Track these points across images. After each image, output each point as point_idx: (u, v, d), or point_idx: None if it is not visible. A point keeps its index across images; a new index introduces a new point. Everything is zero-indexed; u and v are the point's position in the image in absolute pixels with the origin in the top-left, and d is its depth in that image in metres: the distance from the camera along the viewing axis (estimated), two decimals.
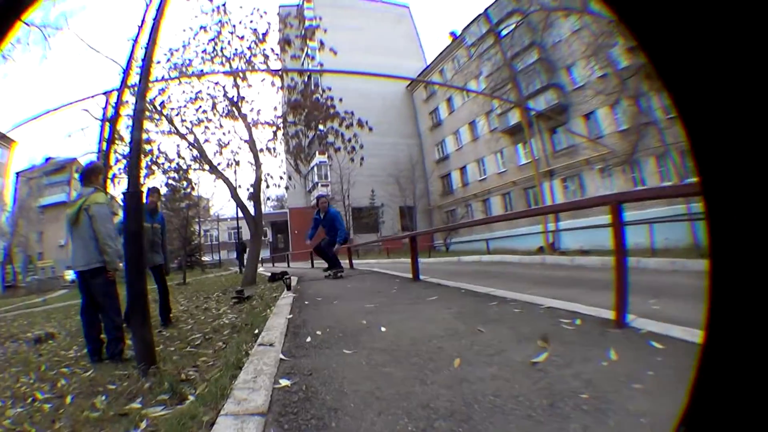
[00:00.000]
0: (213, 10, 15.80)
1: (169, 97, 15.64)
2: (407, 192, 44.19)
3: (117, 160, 11.52)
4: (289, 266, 29.83)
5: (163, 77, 15.38)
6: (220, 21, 15.88)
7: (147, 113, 14.08)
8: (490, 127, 39.38)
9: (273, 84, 16.59)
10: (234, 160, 16.32)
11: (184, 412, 2.97)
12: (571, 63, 30.99)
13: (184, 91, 15.77)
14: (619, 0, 0.96)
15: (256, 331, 5.54)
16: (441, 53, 47.56)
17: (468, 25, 40.75)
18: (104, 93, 11.63)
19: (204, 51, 15.83)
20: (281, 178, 17.24)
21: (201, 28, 15.87)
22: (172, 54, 15.59)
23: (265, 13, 16.20)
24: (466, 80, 42.17)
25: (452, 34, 45.10)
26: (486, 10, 37.62)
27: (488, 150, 40.72)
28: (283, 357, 4.04)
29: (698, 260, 11.87)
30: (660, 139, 21.71)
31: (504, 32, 34.65)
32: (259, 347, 4.44)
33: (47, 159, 53.17)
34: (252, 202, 16.58)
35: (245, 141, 16.08)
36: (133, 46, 7.19)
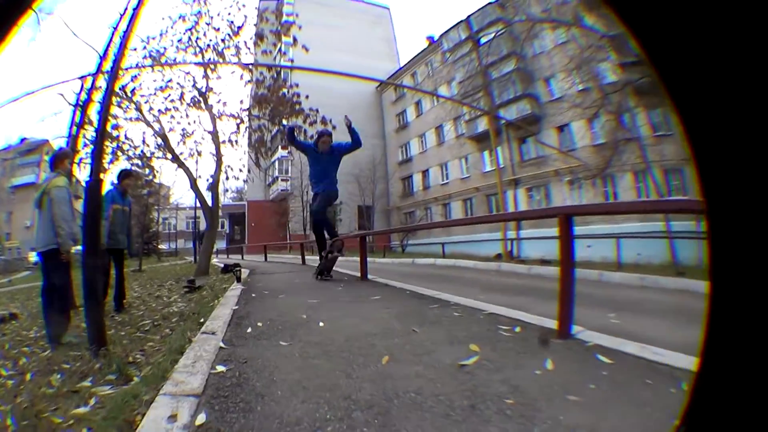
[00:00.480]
0: (195, 0, 15.81)
1: (140, 84, 15.49)
2: (366, 191, 44.42)
3: (85, 145, 11.52)
4: (243, 258, 29.95)
5: (137, 64, 15.30)
6: (199, 11, 15.87)
7: (117, 99, 14.17)
8: (458, 133, 39.71)
9: (242, 77, 16.65)
10: (196, 150, 16.29)
11: (128, 392, 3.14)
12: (550, 75, 31.34)
13: (155, 80, 15.69)
14: (623, 4, 0.96)
15: (202, 320, 5.68)
16: (415, 56, 47.89)
17: (447, 31, 41.07)
18: (80, 78, 11.63)
19: (180, 40, 15.79)
20: (240, 170, 17.35)
21: (180, 17, 15.82)
22: (148, 41, 15.50)
23: (244, 5, 16.28)
24: (437, 85, 42.72)
25: (429, 38, 45.52)
26: (468, 17, 37.89)
27: (453, 155, 41.26)
28: (222, 345, 4.19)
29: (673, 278, 12.09)
30: (641, 155, 21.89)
31: (483, 40, 34.74)
32: (202, 335, 4.60)
33: (22, 140, 52.42)
34: (210, 193, 16.54)
35: (209, 132, 16.07)
36: (113, 33, 7.29)
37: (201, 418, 2.58)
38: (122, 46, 6.06)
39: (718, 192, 0.85)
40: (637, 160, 22.83)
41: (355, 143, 9.56)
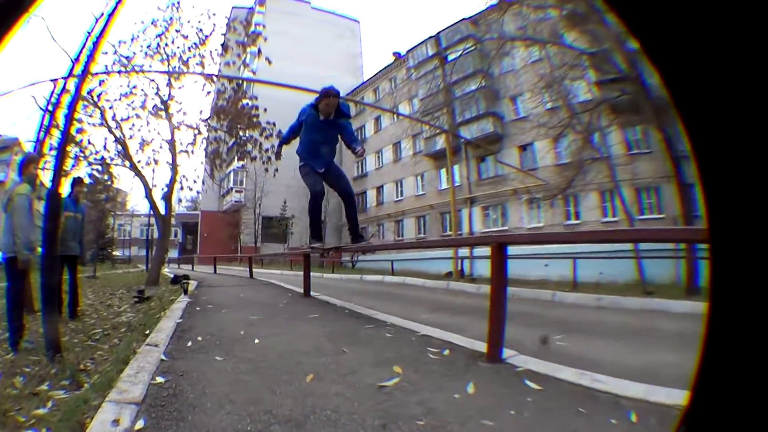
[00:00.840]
0: (168, 6, 15.98)
1: (106, 89, 15.54)
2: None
3: (51, 149, 11.64)
4: (193, 269, 29.67)
5: (105, 69, 15.37)
6: (171, 18, 16.04)
7: (83, 104, 14.28)
8: (415, 150, 39.64)
9: (203, 87, 16.78)
10: (153, 159, 16.33)
11: (80, 397, 3.40)
12: (517, 93, 31.18)
13: (120, 85, 16.00)
14: (623, 4, 0.94)
15: (147, 332, 5.93)
16: (379, 71, 47.77)
17: (414, 47, 41.00)
18: (52, 80, 11.73)
19: (149, 46, 15.92)
20: (195, 181, 17.42)
21: (152, 22, 15.96)
22: (119, 45, 15.59)
23: (214, 14, 16.48)
24: (398, 101, 42.65)
25: (396, 54, 45.35)
26: (438, 33, 38.01)
27: (409, 172, 41.27)
28: (163, 358, 4.47)
29: (639, 298, 12.02)
30: (610, 174, 21.37)
31: (451, 57, 34.88)
32: (146, 347, 4.88)
33: None
34: (164, 202, 16.58)
35: (167, 141, 16.15)
36: (86, 38, 7.50)
37: (140, 424, 2.86)
38: (94, 49, 6.27)
39: (721, 202, 0.84)
40: (604, 179, 22.42)
41: (353, 151, 7.58)
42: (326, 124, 7.45)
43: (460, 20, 35.72)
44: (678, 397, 3.20)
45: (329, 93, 7.31)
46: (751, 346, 0.79)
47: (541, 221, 29.67)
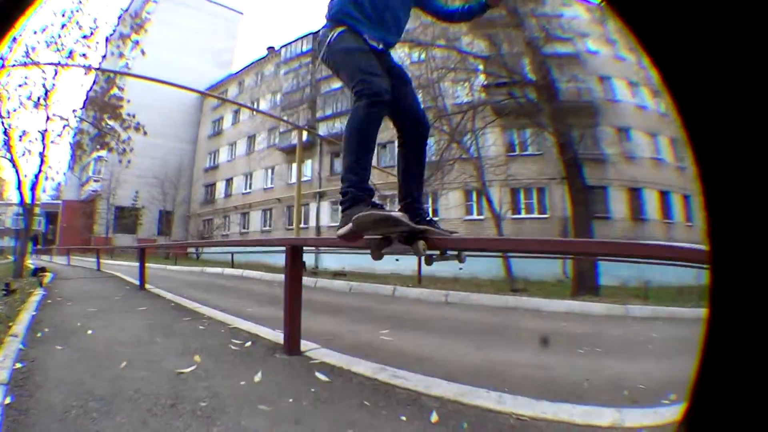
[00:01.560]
0: None
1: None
2: (169, 197, 44.30)
3: None
4: (51, 260, 30.19)
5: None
6: (79, 8, 16.32)
7: None
8: (269, 144, 40.09)
9: (79, 78, 17.70)
10: (27, 149, 16.53)
11: None
12: None
13: (9, 74, 15.86)
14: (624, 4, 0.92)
15: (11, 324, 6.45)
16: (248, 65, 47.31)
17: (291, 42, 40.68)
18: None
19: (52, 36, 15.98)
20: (57, 173, 18.33)
21: (62, 13, 16.13)
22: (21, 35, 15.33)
23: (107, 6, 16.69)
24: (261, 94, 42.91)
25: (270, 48, 44.96)
26: (319, 30, 36.18)
27: (259, 165, 41.37)
28: (21, 347, 5.12)
29: (495, 295, 12.14)
30: (478, 174, 21.64)
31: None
32: (10, 337, 5.52)
33: None
34: (31, 192, 16.66)
35: (41, 132, 16.50)
36: None
37: (8, 400, 3.51)
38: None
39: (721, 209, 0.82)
40: (469, 179, 22.66)
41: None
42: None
43: None
44: (494, 401, 3.71)
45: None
46: (750, 349, 0.78)
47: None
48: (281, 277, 17.22)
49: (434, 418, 3.21)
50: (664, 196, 22.69)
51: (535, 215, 24.70)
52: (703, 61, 0.79)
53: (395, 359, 4.76)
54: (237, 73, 49.17)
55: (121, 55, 25.03)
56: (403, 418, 3.18)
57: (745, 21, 0.72)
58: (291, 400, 3.49)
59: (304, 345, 5.18)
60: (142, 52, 19.81)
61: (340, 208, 3.39)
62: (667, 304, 10.98)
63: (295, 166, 35.95)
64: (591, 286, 15.13)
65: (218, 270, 23.33)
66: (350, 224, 3.20)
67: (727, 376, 0.82)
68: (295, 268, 5.29)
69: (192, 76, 41.09)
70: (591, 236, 16.87)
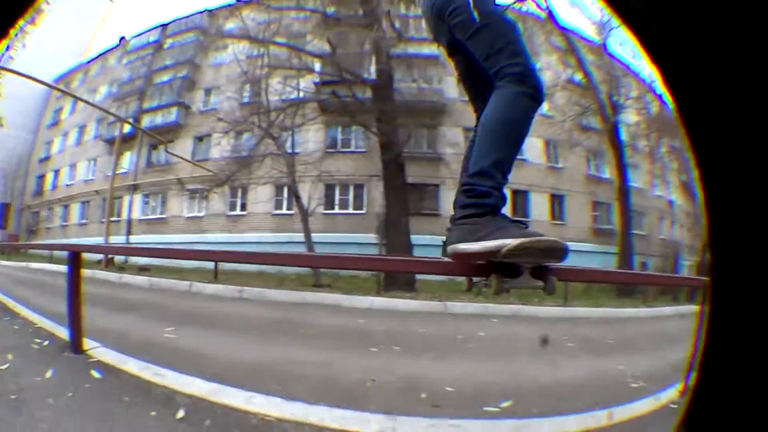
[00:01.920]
0: None
1: None
2: (9, 188, 42.03)
3: None
4: None
5: None
6: None
7: None
8: (95, 135, 39.09)
9: None
10: None
11: None
12: (215, 87, 30.45)
13: None
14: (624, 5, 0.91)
15: None
16: (97, 55, 44.66)
17: (141, 33, 39.11)
18: None
19: None
20: None
21: None
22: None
23: None
24: (98, 84, 41.76)
25: (122, 38, 42.13)
26: (171, 22, 36.60)
27: (83, 157, 40.06)
28: None
29: (299, 292, 11.43)
30: (290, 170, 20.96)
31: (168, 46, 34.76)
32: None
33: None
34: None
35: None
36: None
37: None
38: None
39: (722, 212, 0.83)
40: (280, 175, 21.83)
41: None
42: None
43: (203, 10, 33.32)
44: (243, 400, 3.70)
45: None
46: (750, 348, 0.78)
47: (201, 211, 28.64)
48: (88, 273, 13.69)
49: (180, 414, 3.32)
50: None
51: (351, 211, 24.40)
52: (703, 61, 0.81)
53: (167, 357, 4.73)
54: (88, 62, 45.64)
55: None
56: (153, 414, 3.29)
57: (745, 21, 0.74)
58: (70, 394, 3.55)
59: (89, 343, 5.02)
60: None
61: (458, 211, 2.28)
62: (492, 301, 10.12)
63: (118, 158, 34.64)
64: (408, 281, 13.91)
65: (43, 265, 21.04)
66: (497, 244, 1.97)
67: (727, 376, 0.85)
68: (76, 275, 5.18)
69: (48, 64, 37.45)
70: (407, 232, 17.51)
